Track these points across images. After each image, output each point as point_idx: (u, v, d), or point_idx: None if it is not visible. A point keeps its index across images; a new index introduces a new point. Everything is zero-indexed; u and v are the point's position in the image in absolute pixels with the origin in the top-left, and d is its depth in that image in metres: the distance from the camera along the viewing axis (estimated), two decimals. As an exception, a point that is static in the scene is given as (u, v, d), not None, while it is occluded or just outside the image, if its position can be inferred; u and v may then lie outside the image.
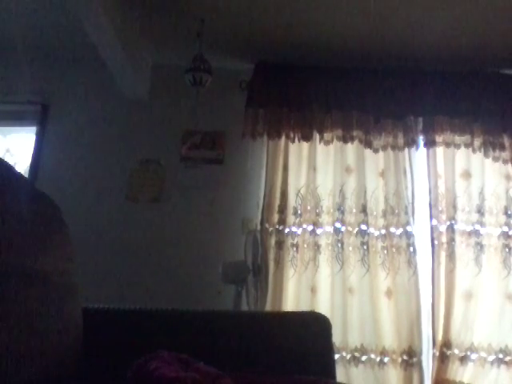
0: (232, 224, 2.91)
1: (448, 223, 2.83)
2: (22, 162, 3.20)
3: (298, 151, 2.96)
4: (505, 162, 2.90)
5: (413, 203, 2.86)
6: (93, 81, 3.18)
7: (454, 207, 2.85)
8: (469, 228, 2.83)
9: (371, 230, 2.83)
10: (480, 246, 2.80)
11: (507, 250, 2.80)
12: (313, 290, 2.76)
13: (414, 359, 2.65)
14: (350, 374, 2.66)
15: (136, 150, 3.07)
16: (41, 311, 0.94)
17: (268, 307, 2.60)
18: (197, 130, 3.09)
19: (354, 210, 2.86)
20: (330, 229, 2.84)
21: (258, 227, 2.81)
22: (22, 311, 0.88)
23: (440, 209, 2.85)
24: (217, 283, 2.50)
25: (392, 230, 2.82)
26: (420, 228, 2.88)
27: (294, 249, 2.81)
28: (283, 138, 2.96)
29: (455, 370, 2.65)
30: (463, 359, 2.67)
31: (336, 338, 2.43)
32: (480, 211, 2.84)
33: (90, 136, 3.11)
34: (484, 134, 2.91)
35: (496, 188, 2.89)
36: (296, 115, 2.97)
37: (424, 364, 2.67)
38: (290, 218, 2.85)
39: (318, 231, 2.83)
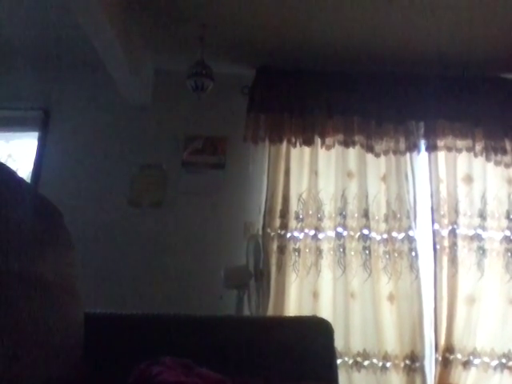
0: (234, 229, 2.91)
1: (450, 227, 2.82)
2: (24, 168, 3.20)
3: (299, 156, 2.96)
4: (506, 166, 2.90)
5: (415, 208, 2.86)
6: (94, 86, 3.19)
7: (456, 211, 2.84)
8: (471, 232, 2.82)
9: (373, 234, 2.82)
10: (482, 251, 2.79)
11: (509, 254, 2.79)
12: (315, 295, 2.75)
13: (417, 364, 2.64)
14: (353, 378, 2.65)
15: (138, 155, 3.08)
16: (42, 316, 0.93)
17: (270, 312, 2.60)
18: (198, 135, 3.10)
19: (356, 215, 2.85)
20: (331, 233, 2.84)
21: (260, 232, 2.81)
22: (22, 316, 0.87)
23: (442, 213, 2.85)
24: (218, 288, 2.49)
25: (394, 234, 2.82)
26: (422, 232, 2.87)
27: (296, 253, 2.81)
28: (285, 143, 2.96)
29: (458, 375, 2.64)
30: (466, 364, 2.65)
31: (338, 342, 2.41)
32: (482, 215, 2.84)
33: (92, 141, 3.12)
34: (485, 138, 2.91)
35: (498, 192, 2.88)
36: (297, 120, 2.97)
37: (427, 369, 2.66)
38: (292, 223, 2.85)
39: (320, 236, 2.83)
